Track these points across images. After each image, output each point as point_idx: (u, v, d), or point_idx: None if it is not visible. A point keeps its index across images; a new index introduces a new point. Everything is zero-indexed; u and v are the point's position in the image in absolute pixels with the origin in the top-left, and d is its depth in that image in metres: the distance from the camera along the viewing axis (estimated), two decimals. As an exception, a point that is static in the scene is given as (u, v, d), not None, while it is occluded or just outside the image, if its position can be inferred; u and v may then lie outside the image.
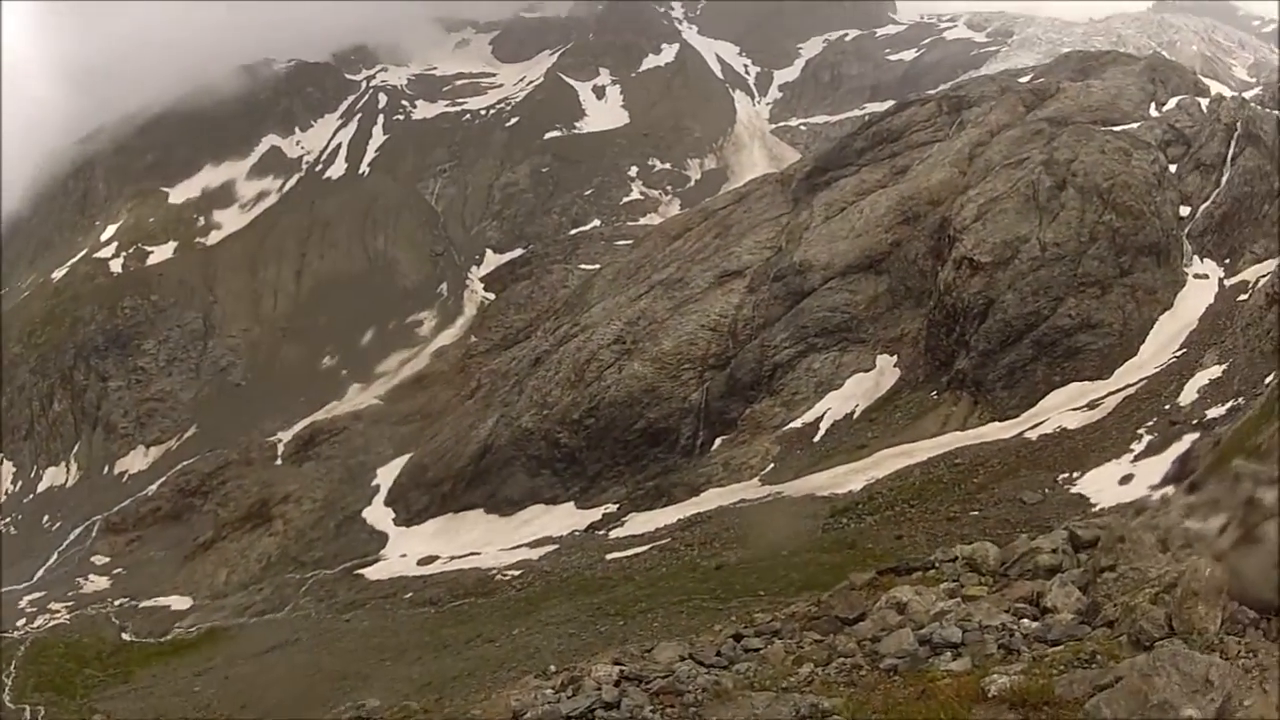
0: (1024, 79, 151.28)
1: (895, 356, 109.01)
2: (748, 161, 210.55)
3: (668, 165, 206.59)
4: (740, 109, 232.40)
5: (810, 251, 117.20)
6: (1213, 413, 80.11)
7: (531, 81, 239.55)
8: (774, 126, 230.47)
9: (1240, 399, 79.29)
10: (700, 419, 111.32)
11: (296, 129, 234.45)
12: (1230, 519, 19.29)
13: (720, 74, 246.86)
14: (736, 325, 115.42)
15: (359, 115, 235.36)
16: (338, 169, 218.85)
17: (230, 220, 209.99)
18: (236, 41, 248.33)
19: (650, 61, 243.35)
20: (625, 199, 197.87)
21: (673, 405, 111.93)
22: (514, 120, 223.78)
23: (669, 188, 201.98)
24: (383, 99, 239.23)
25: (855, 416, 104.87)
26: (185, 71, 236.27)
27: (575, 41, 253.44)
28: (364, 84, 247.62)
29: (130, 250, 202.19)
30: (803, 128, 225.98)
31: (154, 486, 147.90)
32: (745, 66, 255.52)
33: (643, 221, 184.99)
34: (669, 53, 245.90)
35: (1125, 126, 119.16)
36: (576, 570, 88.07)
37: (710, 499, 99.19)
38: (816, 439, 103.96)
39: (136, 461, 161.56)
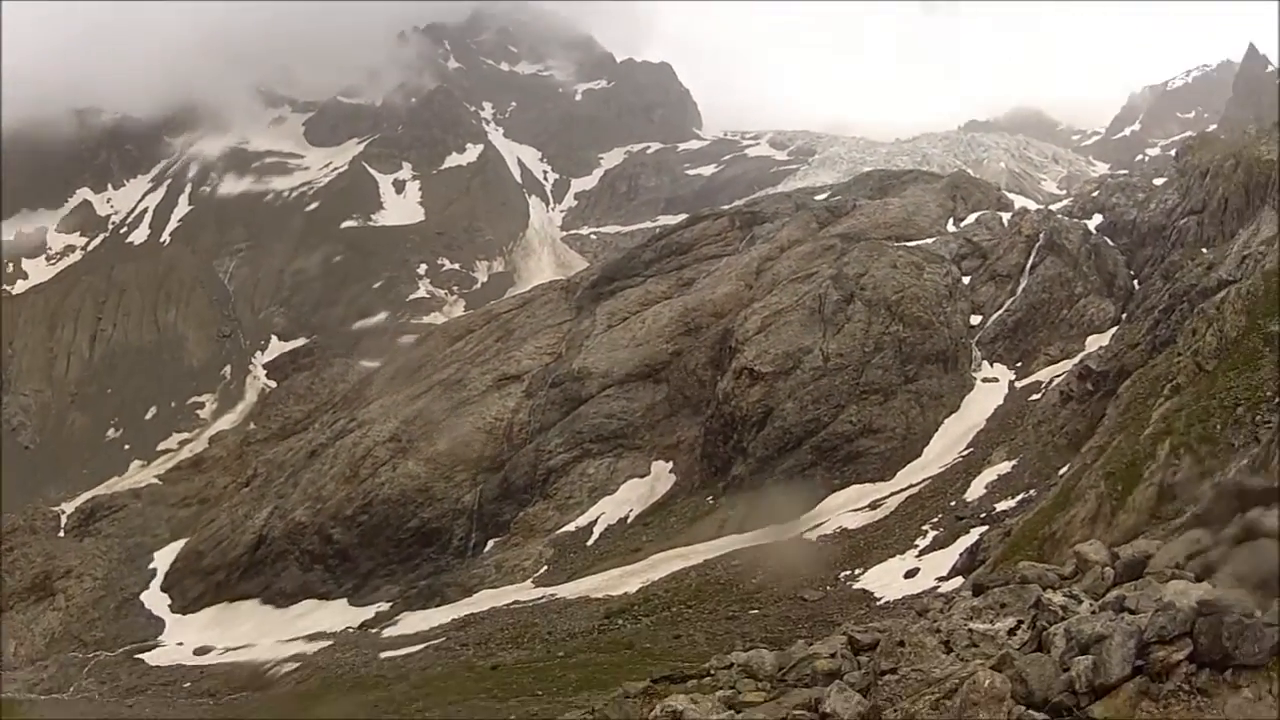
0: (821, 196, 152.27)
1: (671, 463, 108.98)
2: (535, 267, 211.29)
3: (457, 265, 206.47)
4: (534, 214, 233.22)
5: (590, 359, 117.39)
6: (1002, 505, 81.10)
7: (336, 168, 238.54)
8: (565, 234, 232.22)
9: (1031, 491, 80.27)
10: (473, 520, 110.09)
11: (110, 186, 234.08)
12: (1020, 621, 18.49)
13: (519, 178, 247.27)
14: (512, 429, 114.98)
15: (168, 182, 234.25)
16: (141, 234, 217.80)
17: (36, 271, 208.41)
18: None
19: (453, 159, 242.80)
20: (412, 296, 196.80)
21: (446, 506, 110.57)
22: (313, 205, 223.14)
23: (455, 288, 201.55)
24: (193, 168, 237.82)
25: (629, 521, 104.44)
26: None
27: (384, 132, 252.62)
28: (179, 150, 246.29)
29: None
30: (593, 237, 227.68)
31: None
32: (545, 172, 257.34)
33: (427, 320, 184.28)
34: (473, 152, 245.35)
35: (920, 242, 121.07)
36: (352, 667, 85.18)
37: (484, 600, 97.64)
38: (590, 542, 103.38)
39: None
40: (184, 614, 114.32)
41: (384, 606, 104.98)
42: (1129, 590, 16.75)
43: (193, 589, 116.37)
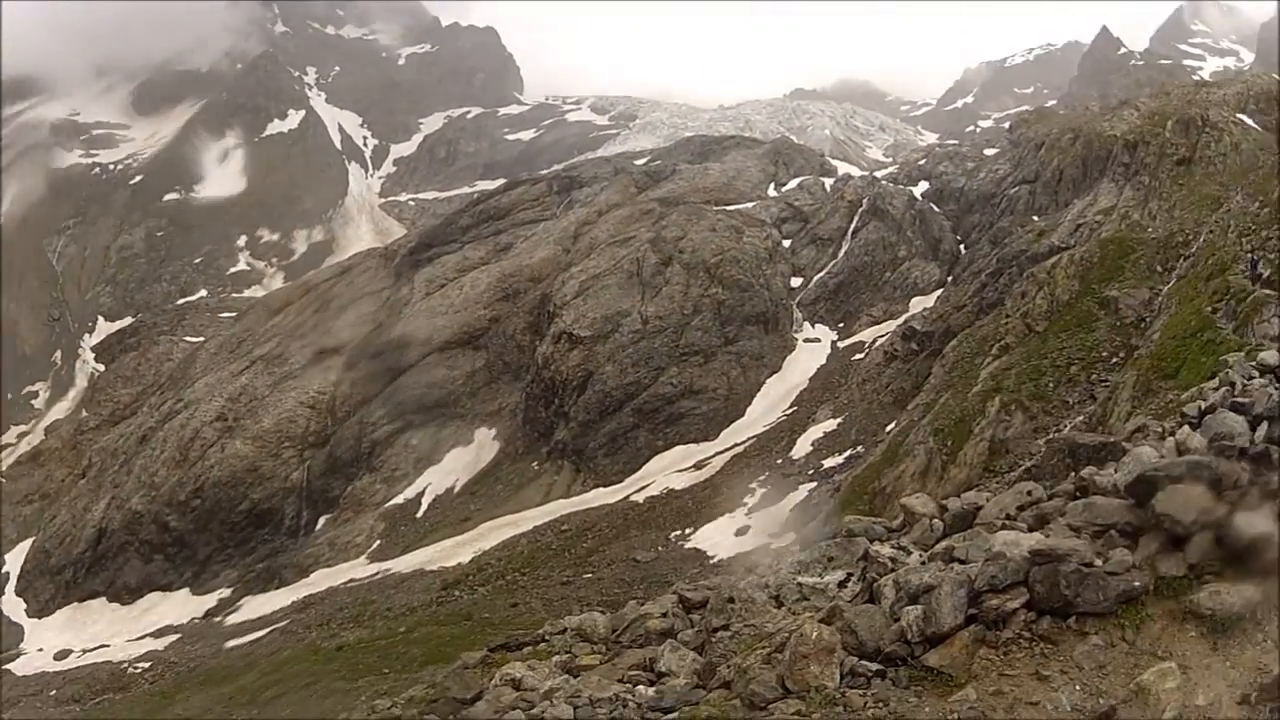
0: (640, 161, 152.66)
1: (494, 430, 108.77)
2: (354, 235, 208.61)
3: (276, 236, 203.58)
4: (353, 181, 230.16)
5: (409, 327, 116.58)
6: (829, 462, 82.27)
7: (162, 138, 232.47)
8: (384, 201, 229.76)
9: (859, 448, 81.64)
10: (303, 498, 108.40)
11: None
12: (849, 574, 18.54)
13: (339, 144, 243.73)
14: (335, 402, 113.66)
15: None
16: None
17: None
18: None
19: (275, 126, 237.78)
20: (232, 269, 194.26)
21: (275, 485, 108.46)
22: (138, 178, 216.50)
23: (275, 260, 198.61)
24: (23, 142, 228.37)
25: (456, 490, 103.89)
26: None
27: (210, 100, 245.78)
28: (10, 122, 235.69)
29: None
30: (412, 203, 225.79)
31: None
32: (365, 138, 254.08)
33: (247, 293, 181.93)
34: (294, 119, 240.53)
35: (740, 206, 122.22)
36: (201, 660, 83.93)
37: (320, 579, 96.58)
38: (420, 514, 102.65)
39: None
40: (40, 618, 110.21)
41: (225, 593, 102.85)
42: (958, 541, 16.83)
43: (44, 590, 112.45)
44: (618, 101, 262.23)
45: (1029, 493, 18.51)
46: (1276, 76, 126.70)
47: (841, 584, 18.58)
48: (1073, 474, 18.98)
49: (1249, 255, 60.97)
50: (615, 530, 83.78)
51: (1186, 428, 18.37)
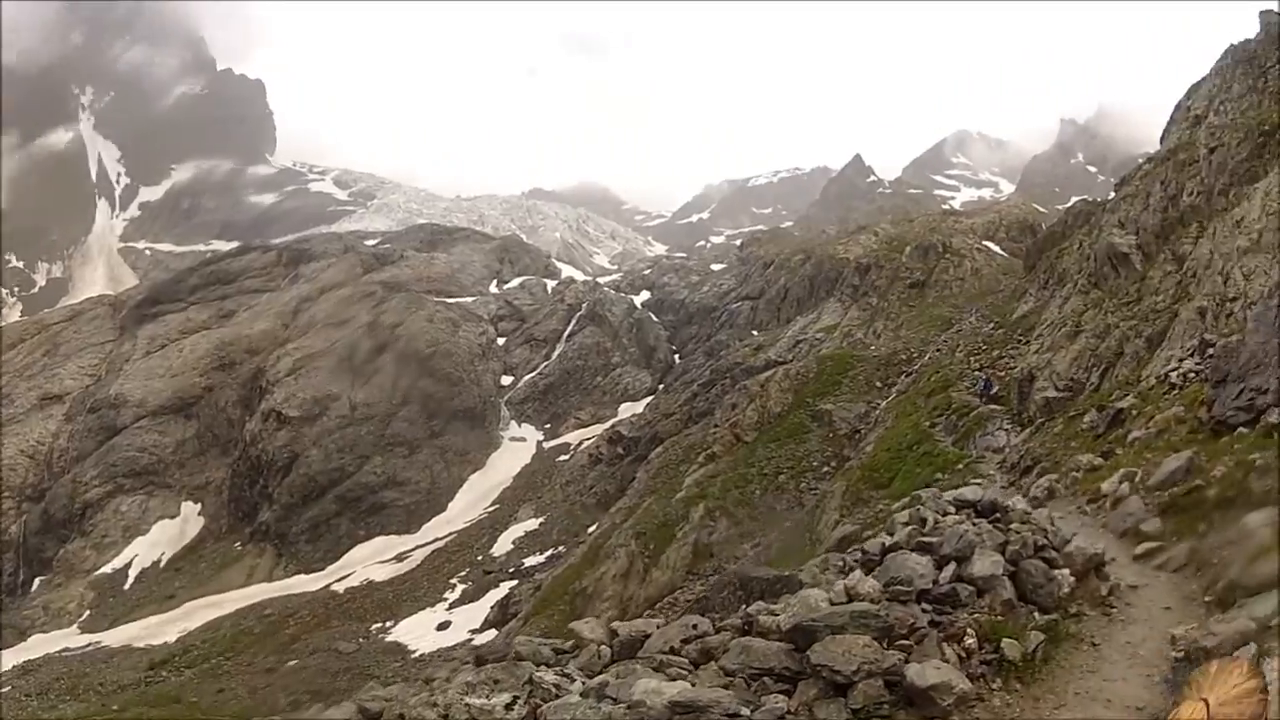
0: (371, 242, 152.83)
1: (200, 504, 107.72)
2: (91, 277, 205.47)
3: (21, 264, 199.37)
4: (99, 219, 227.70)
5: (127, 386, 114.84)
6: (530, 561, 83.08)
7: None
8: (123, 245, 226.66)
9: (560, 548, 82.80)
10: (20, 555, 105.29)
11: None
12: (516, 697, 18.83)
13: (95, 177, 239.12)
14: (53, 455, 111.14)
15: None
16: None
17: None
18: None
19: (43, 143, 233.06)
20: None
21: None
22: None
23: (16, 289, 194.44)
24: None
25: (162, 565, 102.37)
26: None
27: None
28: None
29: None
30: (148, 252, 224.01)
31: None
32: (119, 175, 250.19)
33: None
34: (62, 140, 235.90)
35: (461, 299, 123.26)
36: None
37: (37, 645, 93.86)
38: (127, 586, 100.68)
39: None
40: None
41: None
42: (614, 676, 17.16)
43: None
44: (360, 178, 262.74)
45: (694, 626, 18.90)
46: (1035, 206, 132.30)
47: (509, 706, 18.85)
48: (743, 607, 19.45)
49: (980, 373, 63.62)
50: (317, 619, 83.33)
51: (859, 571, 18.88)
